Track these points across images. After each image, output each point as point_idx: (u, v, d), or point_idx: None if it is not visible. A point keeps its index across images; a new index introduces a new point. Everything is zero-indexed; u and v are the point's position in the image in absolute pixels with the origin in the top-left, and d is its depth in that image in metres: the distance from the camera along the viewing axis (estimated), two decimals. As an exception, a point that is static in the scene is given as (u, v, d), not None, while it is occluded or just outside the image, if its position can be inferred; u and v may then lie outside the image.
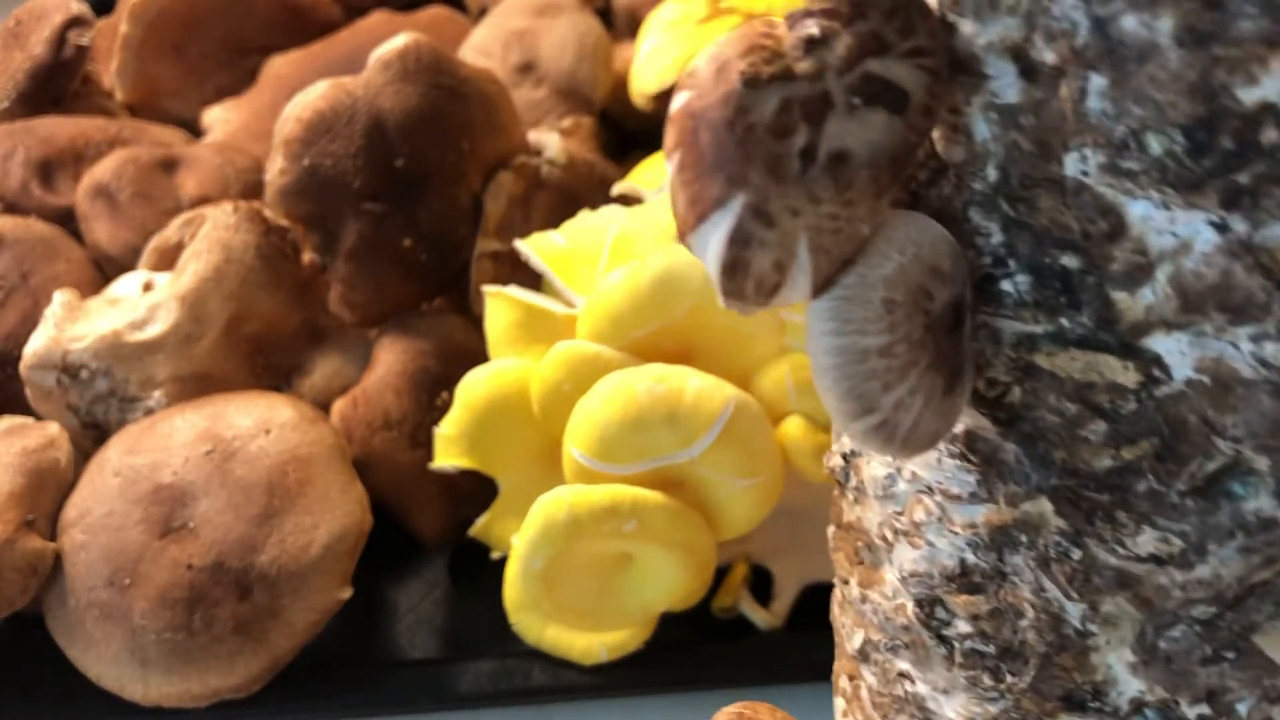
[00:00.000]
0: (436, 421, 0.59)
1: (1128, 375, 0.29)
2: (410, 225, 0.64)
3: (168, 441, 0.57)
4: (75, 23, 0.76)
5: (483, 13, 0.86)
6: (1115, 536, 0.31)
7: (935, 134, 0.30)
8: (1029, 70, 0.27)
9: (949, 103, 0.29)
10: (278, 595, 0.55)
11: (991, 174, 0.29)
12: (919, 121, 0.27)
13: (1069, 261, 0.28)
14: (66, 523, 0.57)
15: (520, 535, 0.53)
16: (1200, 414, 0.29)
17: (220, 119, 0.80)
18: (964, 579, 0.35)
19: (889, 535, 0.37)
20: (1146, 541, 0.31)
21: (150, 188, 0.70)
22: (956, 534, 0.34)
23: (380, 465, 0.61)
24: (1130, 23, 0.25)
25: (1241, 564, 0.31)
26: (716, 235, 0.27)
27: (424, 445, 0.61)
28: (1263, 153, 0.25)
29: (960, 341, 0.29)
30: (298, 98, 0.64)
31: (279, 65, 0.82)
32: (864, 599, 0.38)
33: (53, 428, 0.59)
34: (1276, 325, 0.27)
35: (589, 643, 0.57)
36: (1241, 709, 0.33)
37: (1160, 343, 0.28)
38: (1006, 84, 0.27)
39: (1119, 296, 0.28)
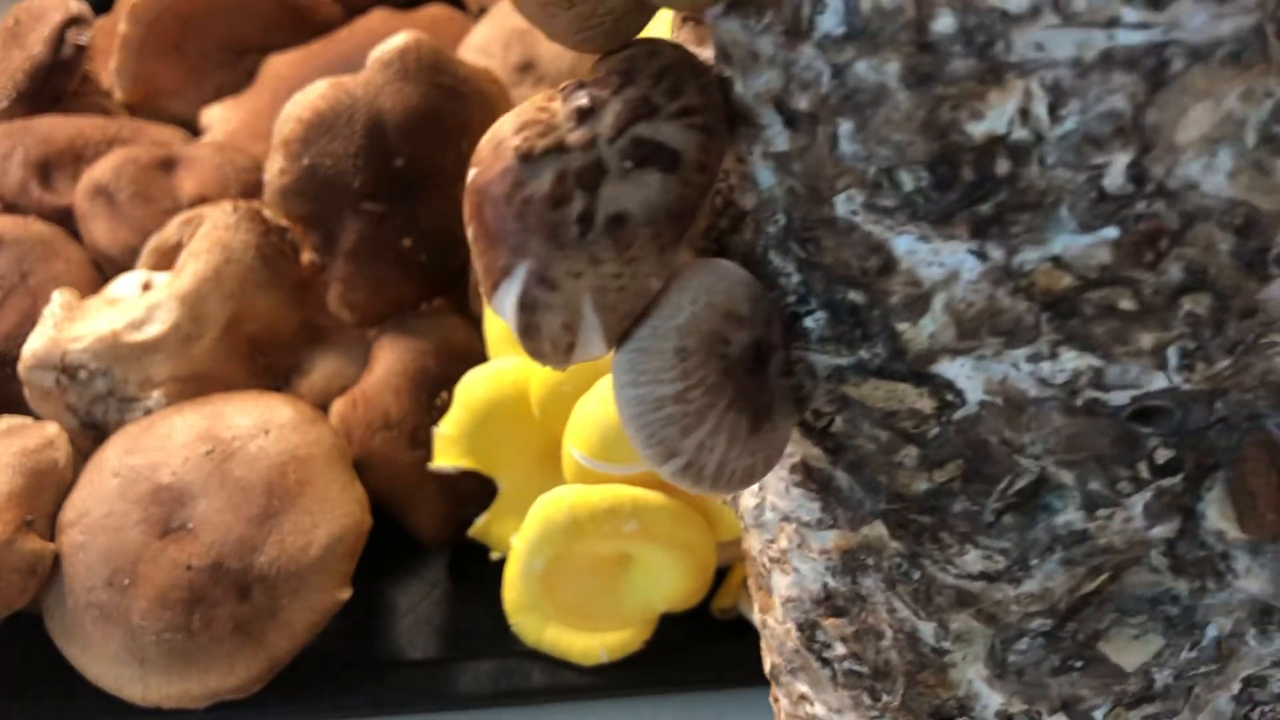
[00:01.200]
0: (436, 422, 0.59)
1: (923, 401, 0.30)
2: (410, 225, 0.64)
3: (167, 442, 0.57)
4: (74, 22, 0.75)
5: (482, 11, 0.85)
6: (944, 556, 0.32)
7: (732, 182, 0.31)
8: (790, 119, 0.28)
9: (736, 153, 0.30)
10: (277, 596, 0.54)
11: (780, 218, 0.30)
12: (694, 178, 0.28)
13: (855, 297, 0.30)
14: (65, 523, 0.57)
15: (520, 536, 0.53)
16: (998, 434, 0.30)
17: (219, 118, 0.80)
18: (829, 603, 0.36)
19: (767, 563, 0.38)
20: (973, 560, 0.32)
21: (149, 187, 0.70)
22: (815, 559, 0.35)
23: (379, 465, 0.61)
24: (862, 68, 0.26)
25: (1066, 576, 0.32)
26: (508, 301, 0.28)
27: (423, 445, 0.61)
28: (1001, 182, 0.26)
29: (764, 381, 0.30)
30: (297, 97, 0.64)
31: (278, 64, 0.82)
32: (764, 624, 0.39)
33: (51, 428, 0.59)
34: (1050, 345, 0.28)
35: (589, 643, 0.57)
36: (1098, 715, 0.34)
37: (948, 368, 0.29)
38: (776, 132, 0.29)
39: (903, 327, 0.29)
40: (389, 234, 0.63)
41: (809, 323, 0.31)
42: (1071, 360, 0.28)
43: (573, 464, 0.53)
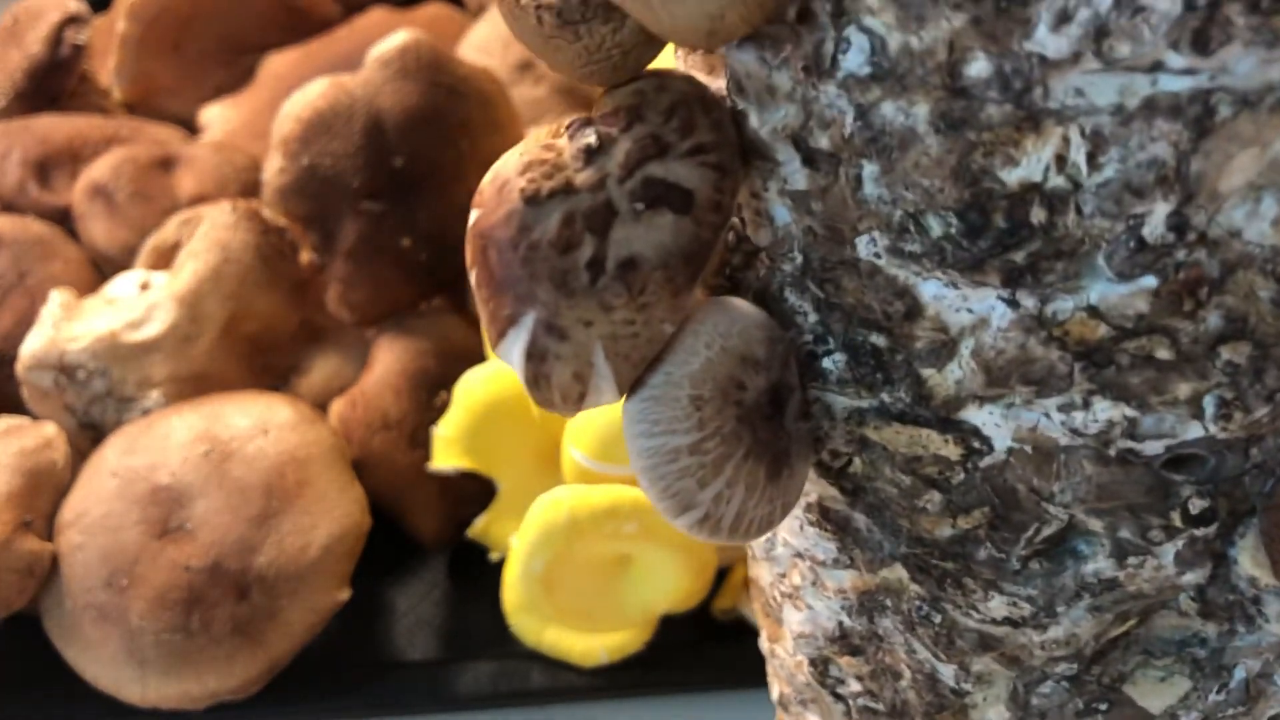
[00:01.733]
0: (435, 422, 0.59)
1: (949, 448, 0.29)
2: (409, 224, 0.63)
3: (165, 442, 0.57)
4: (72, 21, 0.75)
5: (482, 10, 0.85)
6: (967, 602, 0.32)
7: (745, 217, 0.30)
8: (809, 157, 0.27)
9: (750, 188, 0.29)
10: (276, 596, 0.54)
11: (797, 256, 0.29)
12: (708, 217, 0.27)
13: (877, 340, 0.29)
14: (64, 523, 0.57)
15: (520, 537, 0.53)
16: (1026, 482, 0.29)
17: (218, 117, 0.80)
18: (844, 641, 0.35)
19: (778, 596, 0.37)
20: (997, 606, 0.31)
21: (148, 187, 0.70)
22: (830, 598, 0.34)
23: (379, 466, 0.61)
24: (889, 110, 0.25)
25: (1094, 622, 0.31)
26: (515, 351, 0.27)
27: (422, 446, 0.60)
28: (1035, 231, 0.25)
29: (781, 426, 0.29)
30: (296, 96, 0.64)
31: (277, 63, 0.81)
32: (773, 653, 0.38)
33: (50, 428, 0.59)
34: (1083, 394, 0.27)
35: (589, 644, 0.57)
36: None
37: (975, 415, 0.29)
38: (793, 170, 0.27)
39: (928, 373, 0.28)
40: (388, 233, 0.63)
41: (827, 363, 0.30)
42: (1105, 410, 0.27)
43: (572, 464, 0.53)
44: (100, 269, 0.69)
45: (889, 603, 0.33)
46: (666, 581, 0.54)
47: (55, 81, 0.76)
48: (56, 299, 0.62)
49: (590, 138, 0.27)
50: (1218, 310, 0.25)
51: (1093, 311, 0.26)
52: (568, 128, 0.28)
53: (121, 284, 0.64)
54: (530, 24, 0.27)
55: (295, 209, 0.63)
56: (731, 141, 0.28)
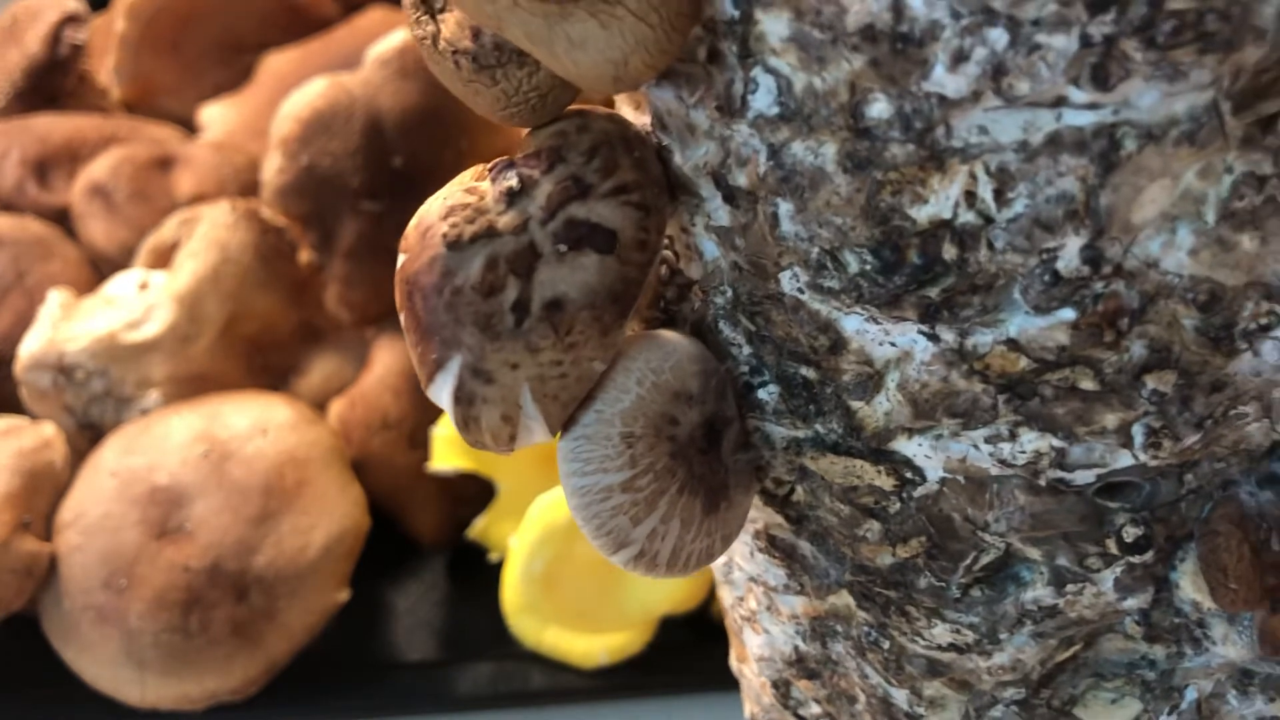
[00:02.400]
0: (434, 422, 0.59)
1: (883, 479, 0.29)
2: (409, 224, 0.63)
3: (164, 442, 0.57)
4: (70, 20, 0.75)
5: (481, 10, 0.85)
6: (912, 629, 0.32)
7: (677, 250, 0.30)
8: (730, 195, 0.27)
9: (680, 222, 0.29)
10: (274, 597, 0.54)
11: (726, 290, 0.29)
12: (634, 256, 0.27)
13: (807, 373, 0.29)
14: (62, 524, 0.57)
15: (519, 538, 0.53)
16: (961, 511, 0.29)
17: (217, 117, 0.79)
18: (801, 665, 0.35)
19: (738, 619, 0.37)
20: (941, 633, 0.31)
21: (146, 186, 0.70)
22: (784, 623, 0.34)
23: (378, 466, 0.61)
24: (799, 150, 0.25)
25: (1038, 648, 0.31)
26: (444, 395, 0.27)
27: (422, 446, 0.60)
28: (949, 266, 0.25)
29: (717, 459, 0.29)
30: (295, 95, 0.64)
31: (276, 63, 0.81)
32: (741, 673, 0.38)
33: (48, 428, 0.59)
34: (1009, 426, 0.27)
35: (588, 645, 0.57)
36: None
37: (906, 447, 0.29)
38: (716, 207, 0.27)
39: (857, 405, 0.28)
40: (387, 233, 0.63)
41: (763, 394, 0.30)
42: (1032, 441, 0.27)
43: (572, 465, 0.53)
44: (99, 269, 0.69)
45: (839, 628, 0.33)
46: (666, 583, 0.54)
47: (54, 81, 0.76)
48: (55, 299, 0.62)
49: (512, 180, 0.27)
50: (1140, 340, 0.25)
51: (1012, 344, 0.26)
52: (490, 170, 0.28)
53: (120, 284, 0.63)
54: (449, 69, 0.27)
55: (294, 209, 0.63)
56: (656, 179, 0.28)
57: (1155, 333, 0.25)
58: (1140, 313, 0.25)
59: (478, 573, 0.61)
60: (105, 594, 0.54)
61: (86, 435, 0.60)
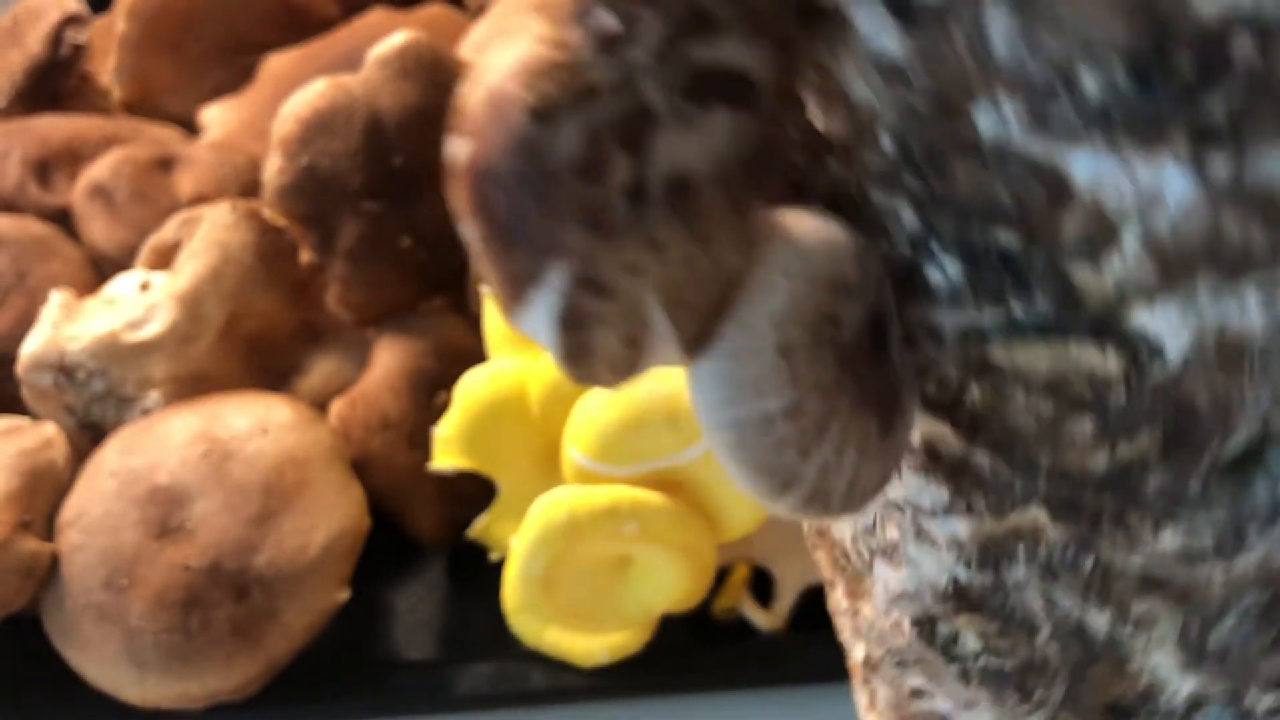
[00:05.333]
0: (435, 422, 0.59)
1: (1108, 362, 0.23)
2: (409, 224, 0.63)
3: (164, 442, 0.57)
4: (71, 21, 0.75)
5: (481, 11, 0.85)
6: (1130, 540, 0.26)
7: (809, 100, 0.23)
8: (904, 7, 0.20)
9: (815, 60, 0.22)
10: (275, 597, 0.54)
11: (886, 144, 0.22)
12: (774, 110, 0.22)
13: (1006, 239, 0.22)
14: (63, 524, 0.57)
15: (519, 537, 0.53)
16: (1211, 390, 0.23)
17: (218, 117, 0.80)
18: (961, 598, 0.30)
19: (865, 552, 0.32)
20: (1170, 539, 0.25)
21: (147, 187, 0.70)
22: (939, 551, 0.29)
23: (378, 466, 0.61)
24: None
25: None
26: (542, 320, 0.21)
27: (422, 446, 0.60)
28: (1238, 74, 0.19)
29: (888, 363, 0.24)
30: (296, 96, 0.64)
31: (277, 63, 0.81)
32: (855, 612, 0.34)
33: (49, 428, 0.59)
34: None
35: (589, 645, 0.57)
36: None
37: (1144, 318, 0.22)
38: (878, 30, 0.21)
39: (1079, 272, 0.22)
40: (388, 233, 0.63)
41: (934, 276, 0.24)
42: None
43: (572, 465, 0.53)
44: (100, 269, 0.69)
45: (1020, 551, 0.27)
46: (666, 582, 0.54)
47: (55, 81, 0.76)
48: (56, 299, 0.62)
49: (606, 19, 0.21)
50: None
51: None
52: (575, 10, 0.21)
53: (121, 284, 0.64)
54: None
55: (295, 209, 0.63)
56: (789, 1, 0.21)
57: None
58: None
59: (478, 573, 0.61)
60: (106, 593, 0.54)
61: (87, 435, 0.61)
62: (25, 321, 0.63)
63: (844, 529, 0.33)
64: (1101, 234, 0.21)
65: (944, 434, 0.26)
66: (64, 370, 0.59)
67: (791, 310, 0.22)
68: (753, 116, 0.21)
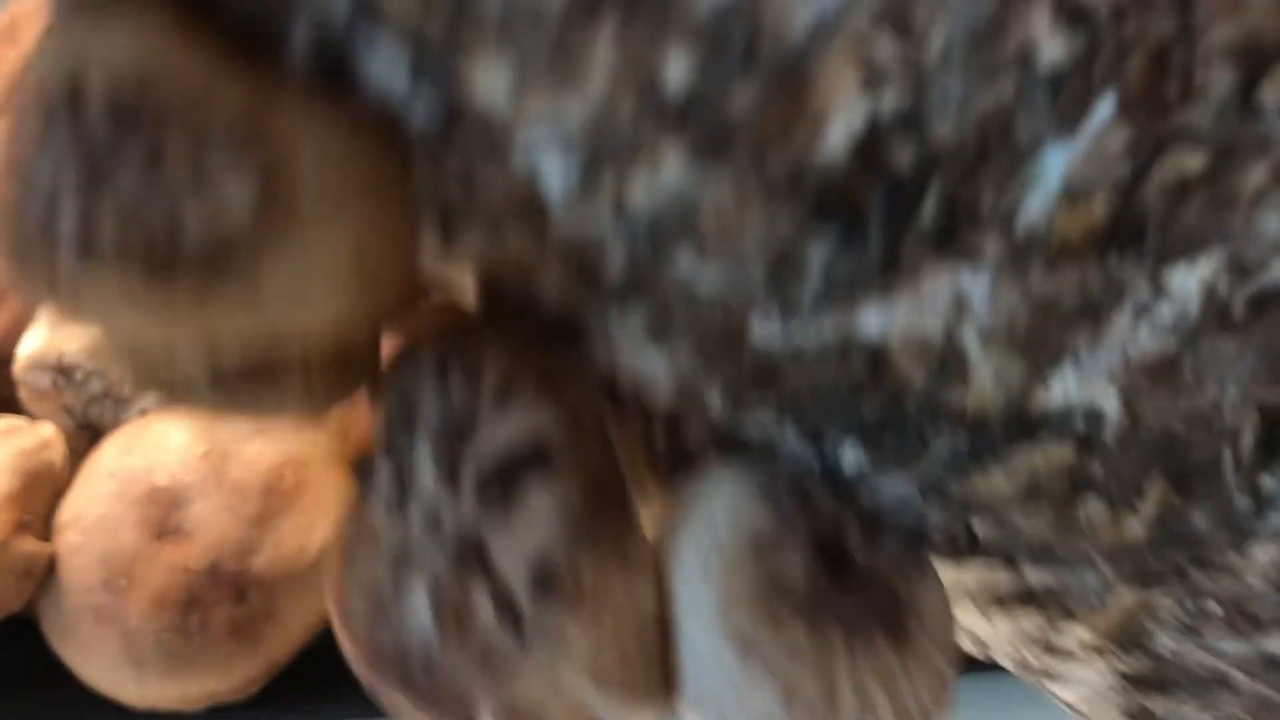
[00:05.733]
0: (434, 422, 0.59)
1: (1063, 448, 0.22)
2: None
3: (163, 443, 0.57)
4: (70, 20, 0.75)
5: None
6: (1227, 571, 0.25)
7: (621, 389, 0.22)
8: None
9: (606, 357, 0.22)
10: (274, 598, 0.54)
11: (714, 396, 0.22)
12: (587, 446, 0.21)
13: (868, 411, 0.21)
14: (61, 524, 0.57)
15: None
16: (1174, 416, 0.22)
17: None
18: (1141, 683, 0.28)
19: (1036, 683, 0.29)
20: (1262, 553, 0.24)
21: (146, 186, 0.70)
22: (1084, 657, 0.27)
23: (377, 466, 0.61)
24: None
25: None
26: None
27: (421, 446, 0.60)
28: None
29: (859, 572, 0.22)
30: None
31: (276, 63, 0.81)
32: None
33: (47, 429, 0.59)
34: (1148, 281, 0.20)
35: (588, 645, 0.57)
36: None
37: (1050, 400, 0.21)
38: (645, 307, 0.20)
39: (958, 399, 0.21)
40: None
41: (847, 464, 0.22)
42: (1188, 273, 0.20)
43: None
44: (98, 269, 0.69)
45: (1147, 624, 0.26)
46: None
47: (53, 81, 0.75)
48: (54, 299, 0.62)
49: (380, 480, 0.21)
50: None
51: (1067, 196, 0.19)
52: (357, 473, 0.21)
53: (119, 284, 0.63)
54: None
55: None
56: (543, 332, 0.21)
57: None
58: None
59: (477, 573, 0.61)
60: (105, 594, 0.54)
61: (85, 435, 0.60)
62: (23, 322, 0.63)
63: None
64: (939, 357, 0.20)
65: (988, 575, 0.25)
66: (62, 370, 0.59)
67: (726, 604, 0.20)
68: (566, 469, 0.20)
